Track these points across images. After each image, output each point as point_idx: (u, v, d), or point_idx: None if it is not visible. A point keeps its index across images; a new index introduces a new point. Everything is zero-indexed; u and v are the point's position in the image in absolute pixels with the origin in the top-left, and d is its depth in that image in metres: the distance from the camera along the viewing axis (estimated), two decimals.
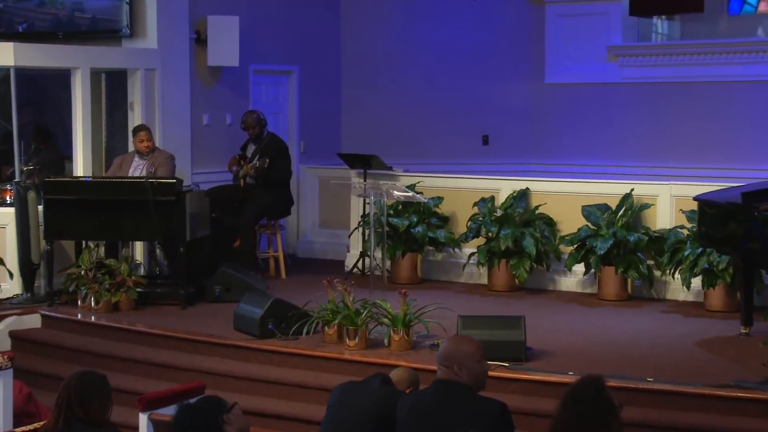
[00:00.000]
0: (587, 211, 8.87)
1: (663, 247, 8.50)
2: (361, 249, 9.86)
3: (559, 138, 11.80)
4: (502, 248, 8.90)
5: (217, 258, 9.13)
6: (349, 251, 10.29)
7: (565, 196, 9.20)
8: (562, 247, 9.01)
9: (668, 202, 8.81)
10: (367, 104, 11.94)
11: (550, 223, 9.11)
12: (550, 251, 9.04)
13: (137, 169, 9.14)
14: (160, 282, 8.99)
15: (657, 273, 8.63)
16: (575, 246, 8.82)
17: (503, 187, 9.45)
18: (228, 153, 10.17)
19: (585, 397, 3.48)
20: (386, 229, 8.32)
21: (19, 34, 9.81)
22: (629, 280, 8.68)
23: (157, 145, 9.44)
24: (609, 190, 9.03)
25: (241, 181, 9.81)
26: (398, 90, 11.92)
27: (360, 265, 9.80)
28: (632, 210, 8.77)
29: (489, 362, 6.41)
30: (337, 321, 7.13)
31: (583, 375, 3.59)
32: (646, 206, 8.82)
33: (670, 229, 8.62)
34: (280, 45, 11.28)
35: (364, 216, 9.78)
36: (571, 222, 9.00)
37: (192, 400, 3.87)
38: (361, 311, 7.08)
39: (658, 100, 11.28)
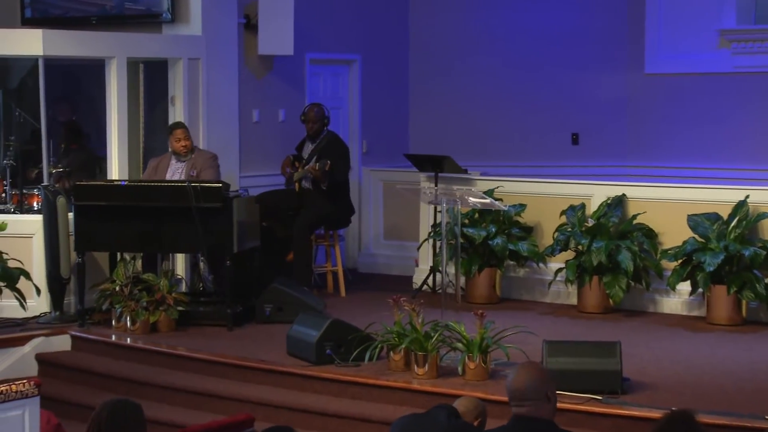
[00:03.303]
0: (694, 221, 8.77)
1: None
2: (431, 263, 9.85)
3: (660, 136, 11.68)
4: (595, 263, 8.83)
5: (268, 273, 9.18)
6: (417, 266, 10.28)
7: (668, 204, 9.11)
8: (663, 263, 8.91)
9: None
10: (438, 98, 11.93)
11: (650, 234, 9.03)
12: (650, 267, 8.95)
13: (175, 173, 9.22)
14: (204, 300, 9.07)
15: None
16: (680, 261, 8.73)
17: (596, 193, 9.38)
18: (281, 153, 10.23)
19: None
20: (460, 240, 8.29)
21: (48, 19, 9.99)
22: (744, 302, 8.56)
23: (200, 144, 9.52)
24: (720, 196, 8.93)
25: (296, 185, 9.85)
26: (474, 82, 11.89)
27: (430, 281, 9.79)
28: (747, 220, 8.65)
29: (580, 394, 6.39)
30: (403, 346, 7.13)
31: (672, 410, 3.56)
32: (764, 215, 8.69)
33: None
34: (340, 31, 11.33)
35: (434, 226, 9.77)
36: (674, 234, 8.91)
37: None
38: (432, 335, 7.06)
39: None
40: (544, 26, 11.85)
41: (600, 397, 6.47)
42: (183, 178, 9.06)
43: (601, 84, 11.89)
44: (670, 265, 8.86)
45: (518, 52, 11.86)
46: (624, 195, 9.28)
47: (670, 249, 8.84)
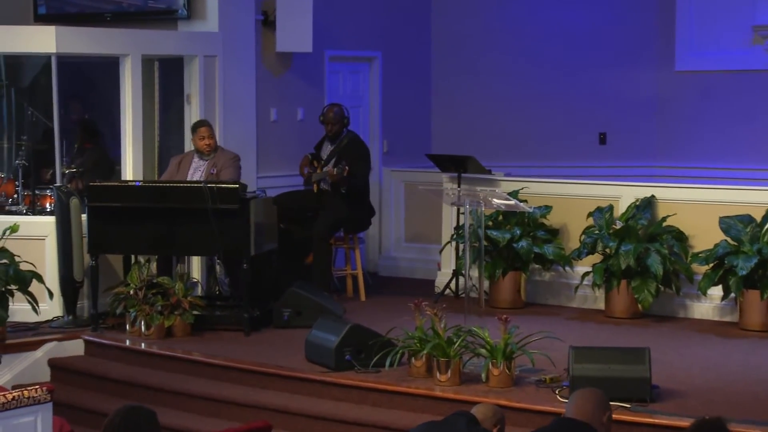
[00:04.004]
0: (726, 224, 8.73)
1: None
2: (454, 267, 9.84)
3: (691, 136, 11.64)
4: (623, 267, 8.81)
5: (286, 276, 9.20)
6: (440, 269, 10.27)
7: (699, 206, 9.08)
8: (694, 267, 8.88)
9: None
10: (461, 96, 11.93)
11: (680, 237, 9.00)
12: (680, 271, 8.92)
13: (197, 171, 9.25)
14: (221, 304, 9.09)
15: None
16: (711, 265, 8.69)
17: (624, 195, 9.36)
18: (299, 153, 10.24)
19: None
20: (484, 243, 8.28)
21: (61, 16, 10.04)
22: None
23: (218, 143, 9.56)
24: (753, 198, 8.90)
25: (315, 186, 9.86)
26: (498, 80, 11.88)
27: (453, 285, 9.78)
28: None
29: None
30: (425, 351, 7.12)
31: (703, 418, 3.54)
32: None
33: None
34: (361, 27, 11.34)
35: (457, 228, 9.76)
36: (705, 236, 8.88)
37: None
38: (454, 340, 7.06)
39: None
40: (571, 23, 11.83)
41: (628, 405, 6.45)
42: (204, 176, 9.10)
43: (630, 82, 11.86)
44: (701, 269, 8.83)
45: (544, 49, 11.84)
46: (653, 196, 9.25)
47: (701, 252, 8.80)
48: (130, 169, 9.41)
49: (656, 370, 6.73)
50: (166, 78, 10.07)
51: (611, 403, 6.30)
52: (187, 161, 9.34)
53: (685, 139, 11.70)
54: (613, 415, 6.25)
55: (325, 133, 10.01)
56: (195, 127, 9.35)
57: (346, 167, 9.50)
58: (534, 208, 9.27)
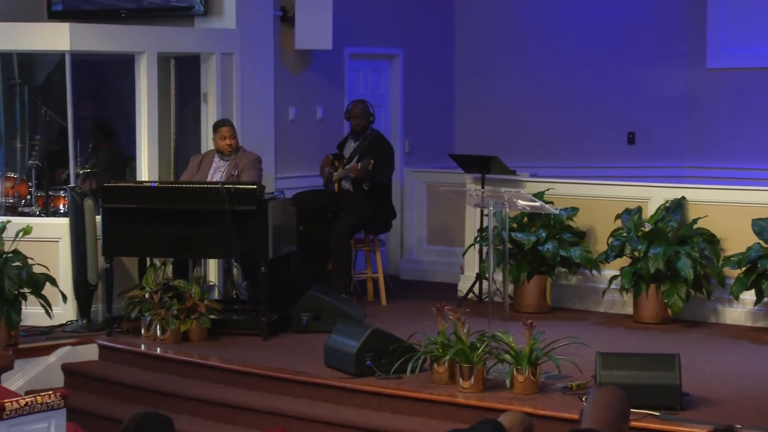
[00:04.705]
0: (759, 226, 8.71)
1: None
2: (477, 270, 9.84)
3: (723, 135, 11.61)
4: (652, 271, 8.79)
5: (304, 279, 9.21)
6: (463, 273, 10.27)
7: (731, 208, 9.05)
8: (726, 270, 8.86)
9: None
10: (485, 95, 11.92)
11: (711, 240, 8.97)
12: (711, 275, 8.90)
13: (217, 171, 9.28)
14: (238, 308, 9.11)
15: None
16: (743, 269, 8.67)
17: (653, 196, 9.35)
18: (319, 153, 10.25)
19: None
20: (508, 246, 8.27)
21: (75, 13, 10.08)
22: None
23: None
24: None
25: (335, 185, 9.87)
26: (523, 78, 11.87)
27: (476, 289, 9.78)
28: None
29: (636, 410, 6.36)
30: (448, 357, 7.12)
31: (716, 426, 3.54)
32: None
33: None
34: (382, 24, 11.35)
35: (481, 230, 9.76)
36: (738, 239, 8.86)
37: None
38: (478, 345, 7.05)
39: None
40: (597, 20, 11.81)
41: (658, 413, 6.43)
42: (224, 177, 9.12)
43: (660, 80, 11.84)
44: (733, 273, 8.81)
45: (570, 47, 11.83)
46: (683, 198, 9.22)
47: (733, 256, 8.78)
48: (146, 170, 9.43)
49: (687, 377, 6.71)
50: (183, 76, 10.11)
51: (640, 411, 6.31)
52: (208, 161, 9.36)
53: (716, 139, 11.66)
54: (643, 424, 6.27)
55: (350, 129, 10.02)
56: (216, 127, 9.37)
57: (371, 161, 9.51)
58: (560, 209, 9.26)
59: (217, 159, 9.32)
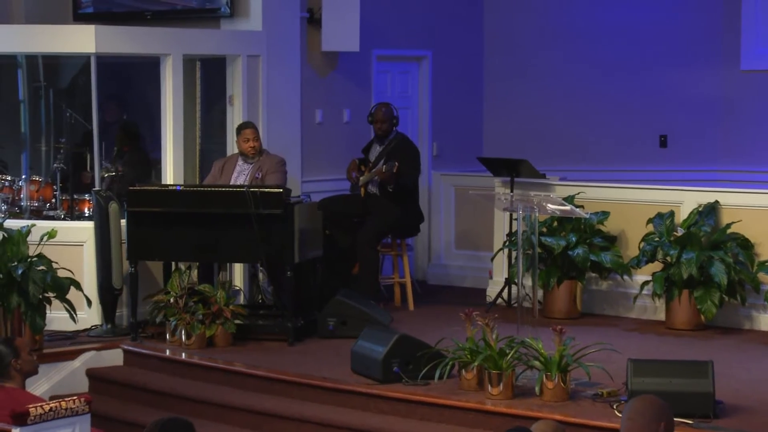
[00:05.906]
0: None
1: None
2: (506, 275, 9.82)
3: (757, 138, 11.55)
4: (684, 276, 8.75)
5: (331, 284, 9.22)
6: (491, 278, 10.26)
7: (765, 212, 9.01)
8: (761, 276, 8.82)
9: None
10: (514, 98, 11.90)
11: (745, 245, 8.93)
12: (745, 281, 8.86)
13: (241, 174, 9.29)
14: (263, 313, 9.12)
15: None
16: None
17: (686, 200, 9.31)
18: (346, 156, 10.26)
19: None
20: (538, 250, 8.25)
21: (101, 15, 10.12)
22: None
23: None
24: None
25: (362, 190, 9.88)
26: (553, 81, 11.85)
27: (505, 294, 9.76)
28: None
29: None
30: (476, 363, 7.11)
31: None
32: None
33: None
34: (410, 25, 11.35)
35: (510, 235, 9.74)
36: None
37: None
38: (507, 352, 7.04)
39: None
40: (629, 20, 11.77)
41: (691, 422, 6.40)
42: (248, 180, 9.13)
43: (693, 82, 11.79)
44: (767, 279, 8.75)
45: (601, 48, 11.79)
46: (717, 202, 9.18)
47: (767, 261, 8.72)
48: (171, 173, 9.47)
49: (720, 385, 6.68)
50: (208, 78, 10.13)
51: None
52: (231, 164, 9.38)
53: (750, 142, 11.60)
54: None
55: (374, 133, 10.03)
56: (240, 129, 9.39)
57: (396, 164, 9.51)
58: (591, 213, 9.24)
59: (240, 162, 9.34)
